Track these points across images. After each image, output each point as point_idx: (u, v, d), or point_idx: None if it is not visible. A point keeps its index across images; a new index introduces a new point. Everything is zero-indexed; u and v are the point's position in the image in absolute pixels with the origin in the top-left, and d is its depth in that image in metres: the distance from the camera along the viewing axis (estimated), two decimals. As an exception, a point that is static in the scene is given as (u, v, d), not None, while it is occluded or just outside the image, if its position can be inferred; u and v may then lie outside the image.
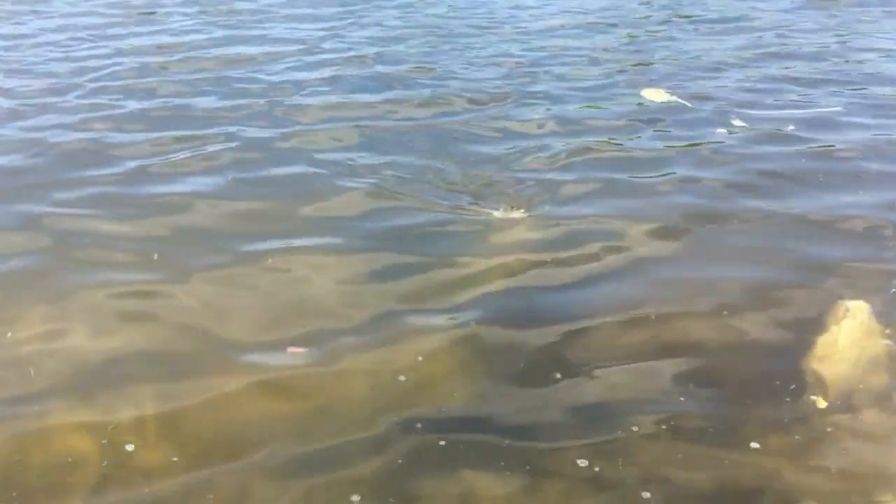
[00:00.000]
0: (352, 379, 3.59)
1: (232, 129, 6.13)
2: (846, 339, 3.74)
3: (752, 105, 6.82)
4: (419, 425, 3.31)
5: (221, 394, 3.47)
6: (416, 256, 4.48)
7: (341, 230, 4.74)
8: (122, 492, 3.01)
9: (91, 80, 7.23)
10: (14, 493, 3.00)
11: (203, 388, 3.50)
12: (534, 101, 6.86)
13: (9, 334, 3.80)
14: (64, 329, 3.85)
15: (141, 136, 6.00)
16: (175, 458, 3.15)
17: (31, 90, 6.99)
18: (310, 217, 4.91)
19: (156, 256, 4.44)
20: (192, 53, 8.00)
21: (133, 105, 6.65)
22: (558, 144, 5.94)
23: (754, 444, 3.24)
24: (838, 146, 5.93)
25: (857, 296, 4.01)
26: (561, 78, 7.46)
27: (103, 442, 3.20)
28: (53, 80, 7.25)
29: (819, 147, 5.93)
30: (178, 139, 5.95)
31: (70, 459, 3.14)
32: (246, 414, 3.40)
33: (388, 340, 3.79)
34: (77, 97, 6.84)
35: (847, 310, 3.89)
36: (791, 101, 6.95)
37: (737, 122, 6.46)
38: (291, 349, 3.73)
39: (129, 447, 3.18)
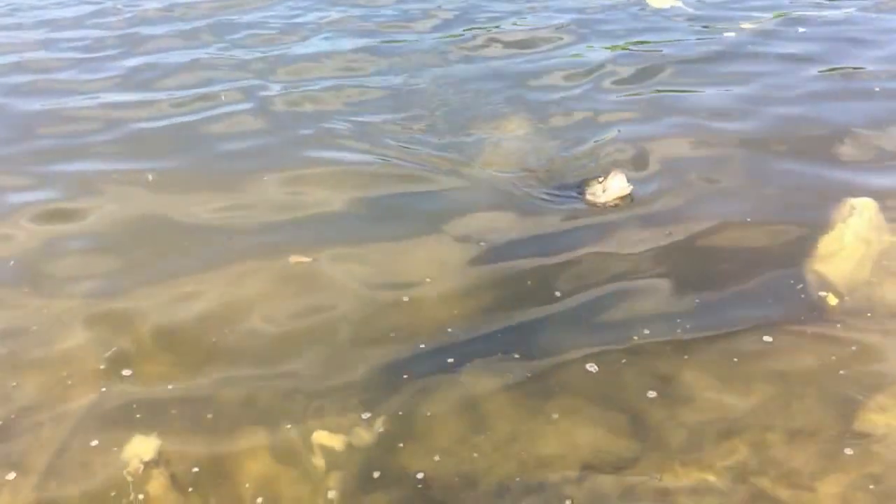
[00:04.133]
0: (360, 299, 3.52)
1: (225, 85, 5.79)
2: (852, 237, 3.70)
3: (761, 8, 6.67)
4: (422, 345, 3.26)
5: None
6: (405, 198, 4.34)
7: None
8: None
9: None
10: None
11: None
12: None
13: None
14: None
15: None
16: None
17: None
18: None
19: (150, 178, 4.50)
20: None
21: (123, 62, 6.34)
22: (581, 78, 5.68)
23: (767, 338, 3.21)
24: (851, 49, 5.83)
25: (863, 193, 3.95)
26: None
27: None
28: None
29: (831, 50, 5.82)
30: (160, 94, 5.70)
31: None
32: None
33: (398, 262, 3.75)
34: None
35: (853, 207, 3.85)
36: (800, 3, 6.78)
37: (746, 25, 6.32)
38: (294, 258, 3.72)
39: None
